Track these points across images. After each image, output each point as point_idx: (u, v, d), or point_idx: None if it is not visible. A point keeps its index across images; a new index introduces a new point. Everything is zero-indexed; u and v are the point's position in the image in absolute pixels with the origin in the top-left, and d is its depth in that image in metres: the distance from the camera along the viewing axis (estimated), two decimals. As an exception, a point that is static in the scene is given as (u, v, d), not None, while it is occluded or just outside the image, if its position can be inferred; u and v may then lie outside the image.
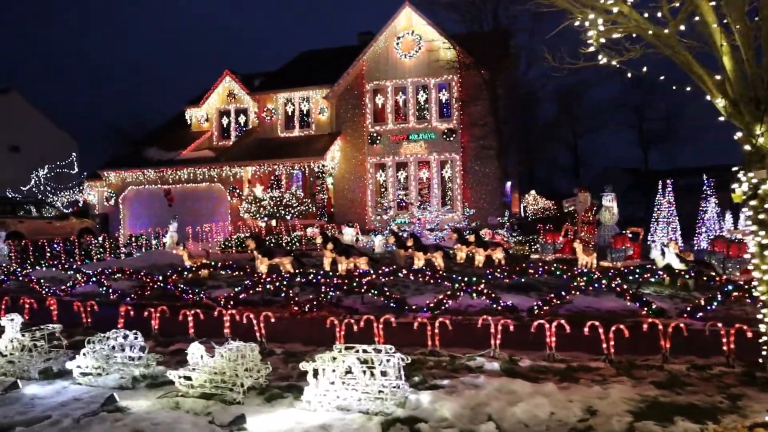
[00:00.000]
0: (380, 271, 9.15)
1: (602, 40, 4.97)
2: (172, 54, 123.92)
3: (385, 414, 4.84)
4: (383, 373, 5.11)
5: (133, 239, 18.36)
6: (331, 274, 9.47)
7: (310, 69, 27.30)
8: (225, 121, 27.63)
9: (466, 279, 8.78)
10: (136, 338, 5.89)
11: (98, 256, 17.08)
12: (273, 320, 7.69)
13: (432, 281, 9.30)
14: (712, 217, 19.45)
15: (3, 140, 31.82)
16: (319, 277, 9.43)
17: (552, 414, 4.88)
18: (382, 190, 24.35)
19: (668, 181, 19.24)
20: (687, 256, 12.66)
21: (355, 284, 9.12)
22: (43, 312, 8.80)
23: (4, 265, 11.78)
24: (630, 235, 14.80)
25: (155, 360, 5.86)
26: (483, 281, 8.78)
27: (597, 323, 6.61)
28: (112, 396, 5.01)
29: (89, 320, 7.95)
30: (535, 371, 6.16)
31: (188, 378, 5.26)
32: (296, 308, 9.35)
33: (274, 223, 22.54)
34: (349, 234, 18.28)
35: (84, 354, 5.76)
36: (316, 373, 5.08)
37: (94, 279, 10.72)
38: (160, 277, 10.19)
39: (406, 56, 23.73)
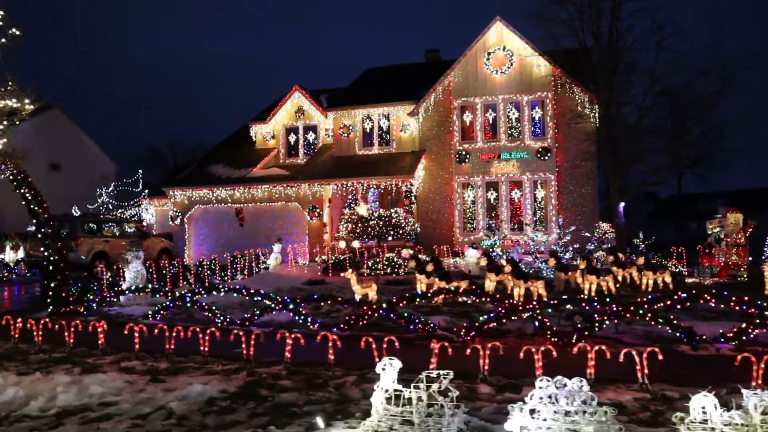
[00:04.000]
0: (675, 298, 7.90)
1: None
2: (203, 79, 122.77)
3: None
4: None
5: (236, 260, 16.79)
6: (608, 300, 8.19)
7: (381, 85, 26.30)
8: (292, 138, 26.37)
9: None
10: (581, 387, 4.54)
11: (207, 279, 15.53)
12: (662, 358, 6.09)
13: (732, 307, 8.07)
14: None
15: (45, 158, 30.03)
16: (595, 304, 8.16)
17: None
18: (470, 210, 23.19)
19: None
20: None
21: (641, 311, 7.86)
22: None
23: (167, 289, 10.25)
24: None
25: (609, 414, 4.51)
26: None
27: None
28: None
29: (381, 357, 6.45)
30: None
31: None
32: (555, 339, 8.06)
33: (356, 244, 21.19)
34: (473, 256, 17.01)
35: (537, 411, 4.39)
36: None
37: (291, 305, 9.27)
38: (384, 305, 8.79)
39: (497, 72, 22.85)
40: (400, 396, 4.91)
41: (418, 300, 8.95)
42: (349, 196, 24.53)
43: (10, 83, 6.77)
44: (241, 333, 6.99)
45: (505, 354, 6.74)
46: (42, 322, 7.98)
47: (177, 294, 10.01)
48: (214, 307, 9.93)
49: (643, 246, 16.71)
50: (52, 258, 10.79)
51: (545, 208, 22.47)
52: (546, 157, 22.29)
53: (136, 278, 11.88)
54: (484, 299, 9.04)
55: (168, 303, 10.04)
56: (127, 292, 10.60)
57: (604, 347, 6.12)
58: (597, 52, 20.17)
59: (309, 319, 9.28)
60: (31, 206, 10.78)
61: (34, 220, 10.90)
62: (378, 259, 17.49)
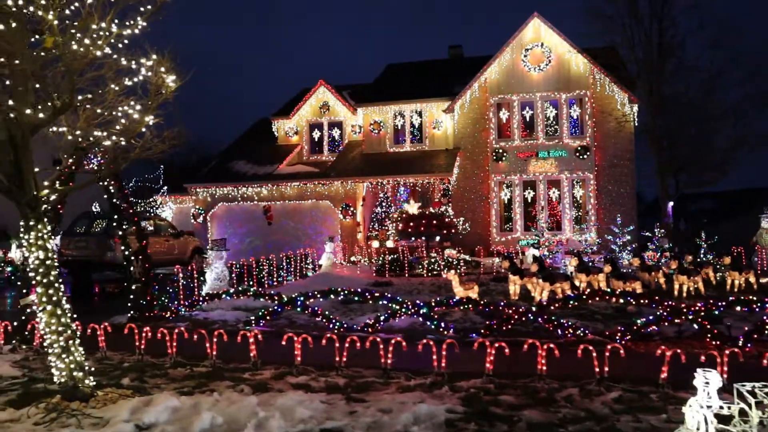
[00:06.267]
0: None
1: None
2: (200, 76, 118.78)
3: None
4: None
5: (289, 261, 15.83)
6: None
7: (407, 81, 25.62)
8: (316, 134, 25.43)
9: None
10: None
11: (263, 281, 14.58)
12: None
13: None
14: None
15: (47, 153, 28.16)
16: (766, 304, 7.68)
17: None
18: (507, 210, 22.72)
19: None
20: None
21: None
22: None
23: (273, 293, 9.30)
24: None
25: None
26: None
27: None
28: None
29: (605, 370, 5.68)
30: None
31: None
32: (716, 342, 7.59)
33: (389, 244, 20.50)
34: (532, 256, 16.44)
35: None
36: None
37: (425, 309, 8.52)
38: (534, 308, 8.13)
39: (535, 69, 22.43)
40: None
41: (572, 302, 8.34)
42: (380, 195, 23.79)
43: (154, 56, 5.80)
44: (431, 343, 6.22)
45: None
46: (176, 332, 7.03)
47: (285, 298, 9.11)
48: (327, 312, 9.10)
49: (705, 245, 16.47)
50: (133, 258, 9.74)
51: (584, 207, 22.17)
52: (585, 156, 21.97)
53: (218, 280, 10.88)
54: (644, 300, 8.45)
55: (276, 307, 9.13)
56: (224, 296, 9.61)
57: None
58: (644, 50, 19.94)
59: (442, 325, 8.55)
60: (114, 200, 9.74)
61: (116, 216, 9.84)
62: (434, 259, 16.81)
